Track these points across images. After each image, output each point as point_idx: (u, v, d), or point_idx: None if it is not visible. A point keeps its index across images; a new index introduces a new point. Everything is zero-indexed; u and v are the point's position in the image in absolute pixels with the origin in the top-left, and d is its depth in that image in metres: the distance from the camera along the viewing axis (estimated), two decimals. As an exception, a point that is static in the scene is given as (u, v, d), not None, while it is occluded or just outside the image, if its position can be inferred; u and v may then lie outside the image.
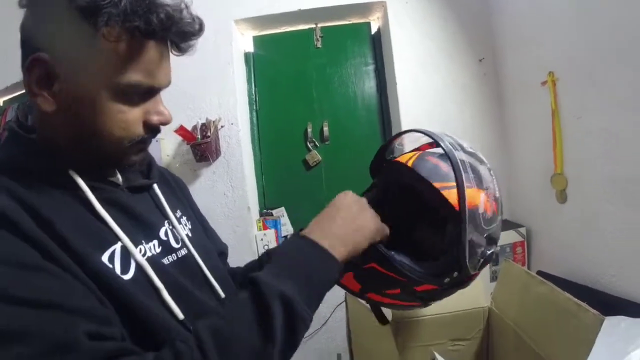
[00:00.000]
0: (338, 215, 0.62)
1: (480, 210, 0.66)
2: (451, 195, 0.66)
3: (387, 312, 1.22)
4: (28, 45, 0.54)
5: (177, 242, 0.68)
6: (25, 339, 0.42)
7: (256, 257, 0.92)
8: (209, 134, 1.91)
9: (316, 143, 2.18)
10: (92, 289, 0.49)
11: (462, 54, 2.04)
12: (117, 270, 0.54)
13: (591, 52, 1.36)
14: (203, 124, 1.93)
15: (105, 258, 0.53)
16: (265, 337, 0.48)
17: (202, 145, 1.88)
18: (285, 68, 2.21)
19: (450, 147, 0.69)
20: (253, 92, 2.21)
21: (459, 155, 0.68)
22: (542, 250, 1.80)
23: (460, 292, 1.25)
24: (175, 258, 0.65)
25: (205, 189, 2.01)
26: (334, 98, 2.19)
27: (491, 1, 2.01)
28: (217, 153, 1.97)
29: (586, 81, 1.40)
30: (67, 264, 0.48)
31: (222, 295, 0.71)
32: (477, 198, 0.66)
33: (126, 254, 0.56)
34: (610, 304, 1.27)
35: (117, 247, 0.55)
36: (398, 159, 0.79)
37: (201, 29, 0.58)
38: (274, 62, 2.22)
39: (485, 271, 1.80)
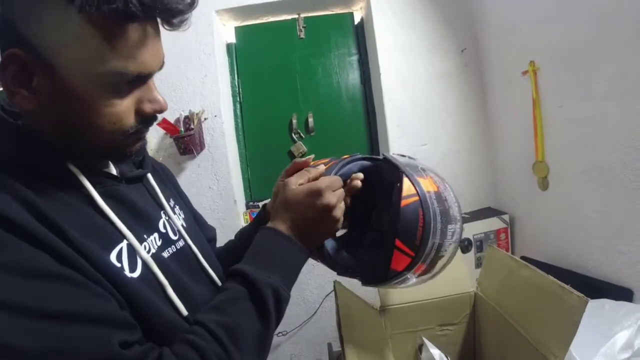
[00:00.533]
0: (294, 211, 0.65)
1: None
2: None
3: (376, 299, 1.24)
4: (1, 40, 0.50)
5: (175, 234, 0.68)
6: (61, 357, 0.41)
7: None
8: (192, 126, 1.88)
9: (301, 134, 2.17)
10: (111, 292, 0.48)
11: (445, 44, 2.04)
12: (126, 269, 0.52)
13: (571, 42, 1.38)
14: (186, 117, 1.90)
15: (113, 257, 0.52)
16: (263, 322, 0.56)
17: (186, 138, 1.85)
18: (268, 59, 2.19)
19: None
20: (236, 84, 2.19)
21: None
22: (526, 237, 1.84)
23: (446, 278, 1.27)
24: (174, 250, 0.65)
25: (190, 183, 1.99)
26: (319, 89, 2.19)
27: (473, -9, 2.02)
28: (201, 146, 1.94)
29: (567, 70, 1.43)
30: (84, 267, 0.47)
31: (219, 283, 0.71)
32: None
33: (132, 252, 0.55)
34: (594, 287, 1.31)
35: (124, 245, 0.54)
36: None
37: (193, 2, 0.52)
38: (256, 53, 2.19)
39: (471, 257, 1.83)
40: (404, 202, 0.66)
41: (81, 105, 0.50)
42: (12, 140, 0.52)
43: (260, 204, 2.13)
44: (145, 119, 0.56)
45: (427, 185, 0.69)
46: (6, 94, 0.49)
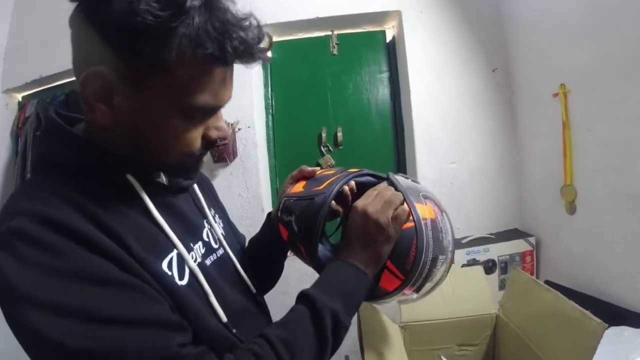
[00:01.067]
0: (360, 239, 0.66)
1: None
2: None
3: (396, 315, 1.26)
4: (83, 56, 0.52)
5: (216, 243, 0.72)
6: (126, 358, 0.44)
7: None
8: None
9: (330, 147, 2.22)
10: (165, 298, 0.51)
11: (476, 63, 2.06)
12: (175, 277, 0.56)
13: (602, 65, 1.39)
14: (221, 127, 1.98)
15: (165, 266, 0.55)
16: (320, 342, 0.57)
17: (220, 147, 1.93)
18: (301, 73, 2.25)
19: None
20: (270, 96, 2.26)
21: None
22: (551, 260, 1.82)
23: (469, 298, 1.29)
24: (215, 258, 0.69)
25: (222, 190, 2.05)
26: (349, 104, 2.23)
27: (504, 12, 2.03)
28: (233, 155, 2.02)
29: (597, 94, 1.43)
30: (142, 275, 0.50)
31: (254, 290, 0.75)
32: None
33: (181, 261, 0.58)
34: (616, 315, 1.29)
35: (174, 254, 0.57)
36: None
37: (271, 45, 0.56)
38: (290, 67, 2.26)
39: (494, 279, 1.83)
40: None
41: (159, 129, 0.53)
42: (73, 148, 0.55)
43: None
44: (209, 143, 0.59)
45: (424, 212, 0.70)
46: (83, 106, 0.52)
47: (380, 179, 0.78)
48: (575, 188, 1.57)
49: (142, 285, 0.49)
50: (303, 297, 0.61)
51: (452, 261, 0.73)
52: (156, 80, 0.49)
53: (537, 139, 1.87)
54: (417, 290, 0.71)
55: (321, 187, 0.75)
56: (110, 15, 0.46)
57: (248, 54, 0.52)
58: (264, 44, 0.54)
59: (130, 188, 0.57)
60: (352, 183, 0.76)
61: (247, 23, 0.51)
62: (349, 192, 0.77)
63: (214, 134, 0.58)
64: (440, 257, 0.69)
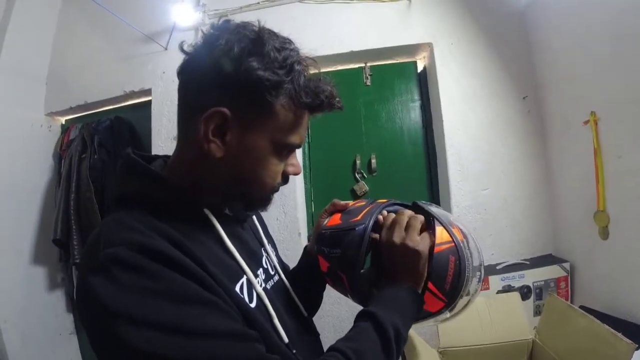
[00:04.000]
0: (398, 263, 0.72)
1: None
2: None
3: (433, 340, 1.30)
4: (203, 100, 0.61)
5: (272, 270, 0.79)
6: None
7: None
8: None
9: (364, 174, 2.29)
10: (241, 318, 0.57)
11: (506, 91, 2.12)
12: (247, 299, 0.62)
13: (631, 93, 1.43)
14: (261, 154, 2.09)
15: (237, 289, 0.61)
16: (386, 353, 0.62)
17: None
18: (336, 103, 2.35)
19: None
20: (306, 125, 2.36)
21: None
22: (585, 285, 1.82)
23: (505, 324, 1.32)
24: (272, 284, 0.76)
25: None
26: (382, 132, 2.31)
27: (533, 41, 2.09)
28: (272, 181, 2.11)
29: (626, 121, 1.47)
30: (223, 296, 0.55)
31: (305, 314, 0.81)
32: None
33: (249, 285, 0.64)
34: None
35: (244, 280, 0.64)
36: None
37: (341, 108, 0.70)
38: (325, 98, 2.36)
39: (529, 305, 1.83)
40: (437, 249, 0.71)
41: (257, 162, 0.64)
42: (160, 186, 0.63)
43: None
44: (286, 179, 0.70)
45: (457, 234, 0.74)
46: (202, 139, 0.61)
47: (408, 208, 0.83)
48: (608, 214, 1.59)
49: (224, 305, 0.54)
50: (364, 315, 0.66)
51: (482, 278, 0.77)
52: (263, 120, 0.62)
53: (569, 165, 1.90)
54: (451, 309, 0.75)
55: (358, 217, 0.79)
56: (240, 71, 0.59)
57: (332, 104, 0.66)
58: (339, 103, 0.69)
59: (206, 220, 0.65)
60: (385, 213, 0.81)
61: (327, 80, 0.66)
62: (382, 221, 0.82)
63: (290, 169, 0.70)
64: (477, 273, 0.74)
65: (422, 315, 0.75)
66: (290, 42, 0.65)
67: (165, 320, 0.49)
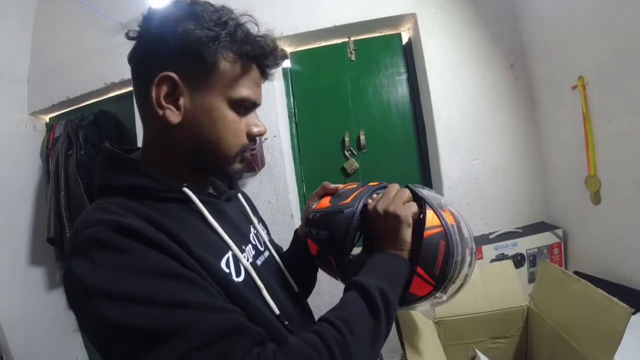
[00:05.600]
0: (380, 231, 0.74)
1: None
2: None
3: (430, 312, 1.31)
4: (150, 68, 0.63)
5: (262, 245, 0.80)
6: (189, 332, 0.49)
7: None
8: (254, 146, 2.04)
9: (353, 151, 2.27)
10: (221, 293, 0.58)
11: (493, 59, 2.09)
12: (233, 274, 0.63)
13: (619, 56, 1.41)
14: (249, 138, 2.07)
15: (223, 264, 0.63)
16: (374, 317, 0.63)
17: (250, 156, 2.01)
18: (321, 81, 2.32)
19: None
20: (292, 106, 2.34)
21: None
22: (579, 251, 1.83)
23: (500, 292, 1.33)
24: (263, 259, 0.77)
25: (252, 198, 2.14)
26: (369, 108, 2.29)
27: (518, 7, 2.05)
28: (262, 164, 2.11)
29: (615, 85, 1.45)
30: (199, 271, 0.56)
31: (296, 289, 0.82)
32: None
33: (236, 260, 0.66)
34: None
35: (230, 254, 0.65)
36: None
37: (286, 56, 0.72)
38: (310, 76, 2.34)
39: (523, 272, 1.85)
40: (427, 233, 0.71)
41: (216, 119, 0.65)
42: (136, 172, 0.64)
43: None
44: (252, 139, 0.71)
45: (449, 219, 0.74)
46: (153, 108, 0.63)
47: None
48: (599, 178, 1.59)
49: (199, 279, 0.55)
50: (351, 284, 0.67)
51: (474, 264, 0.77)
52: (212, 78, 0.64)
53: (559, 131, 1.89)
54: (444, 292, 0.74)
55: (347, 200, 0.80)
56: (178, 34, 0.61)
57: (273, 54, 0.68)
58: (283, 52, 0.71)
59: (187, 199, 0.66)
60: (375, 196, 0.81)
61: (273, 36, 0.68)
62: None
63: (254, 129, 0.70)
64: (467, 258, 0.73)
65: (411, 298, 0.75)
66: (224, 7, 0.66)
67: (140, 294, 0.50)
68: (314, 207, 0.85)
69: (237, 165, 0.71)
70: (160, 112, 0.63)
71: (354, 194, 0.80)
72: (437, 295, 0.74)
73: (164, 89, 0.63)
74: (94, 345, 0.54)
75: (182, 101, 0.63)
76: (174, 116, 0.63)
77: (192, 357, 0.49)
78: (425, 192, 0.79)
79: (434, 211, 0.74)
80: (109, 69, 2.34)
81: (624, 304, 0.86)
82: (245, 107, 0.68)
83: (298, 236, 0.96)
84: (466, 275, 0.75)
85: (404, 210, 0.72)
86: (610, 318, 0.88)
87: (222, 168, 0.70)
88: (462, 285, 0.76)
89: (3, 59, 2.38)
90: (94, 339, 0.53)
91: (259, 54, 0.65)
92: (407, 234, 0.72)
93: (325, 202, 0.84)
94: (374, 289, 0.64)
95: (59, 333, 2.43)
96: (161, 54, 0.63)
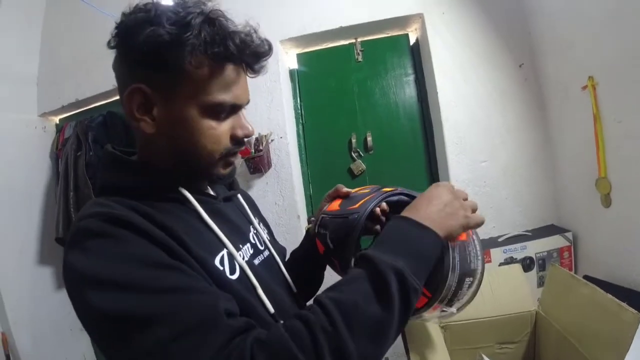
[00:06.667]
0: (431, 202, 0.65)
1: None
2: None
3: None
4: (124, 79, 0.63)
5: (261, 245, 0.80)
6: (175, 318, 0.49)
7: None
8: (261, 147, 2.05)
9: (360, 153, 2.26)
10: (213, 286, 0.58)
11: (502, 60, 2.06)
12: (227, 272, 0.63)
13: (628, 56, 1.38)
14: (256, 139, 2.06)
15: (217, 262, 0.62)
16: (383, 306, 0.52)
17: (256, 158, 2.02)
18: (328, 82, 2.32)
19: None
20: (299, 107, 2.34)
21: None
22: (589, 255, 1.80)
23: (508, 296, 1.31)
24: (262, 258, 0.77)
25: (258, 199, 2.09)
26: (376, 109, 2.28)
27: (526, 6, 2.03)
28: (268, 165, 2.11)
29: (625, 85, 1.43)
30: (191, 263, 0.56)
31: (294, 290, 0.82)
32: None
33: (231, 258, 0.65)
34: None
35: (224, 252, 0.65)
36: None
37: (270, 48, 0.66)
38: (317, 77, 2.33)
39: (533, 276, 1.83)
40: None
41: (191, 129, 0.62)
42: (134, 173, 0.66)
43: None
44: (237, 142, 0.68)
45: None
46: (131, 120, 0.63)
47: (413, 198, 0.78)
48: (610, 180, 1.56)
49: (188, 270, 0.55)
50: (360, 259, 0.58)
51: (480, 282, 0.73)
52: (181, 86, 0.60)
53: (569, 132, 1.86)
54: (449, 305, 0.72)
55: (356, 206, 0.79)
56: (138, 42, 0.58)
57: (249, 50, 0.62)
58: (262, 46, 0.65)
59: (184, 199, 0.66)
60: (384, 205, 0.81)
61: (247, 30, 0.63)
62: (379, 213, 0.82)
63: (239, 132, 0.67)
64: (467, 279, 0.69)
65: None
66: (196, 3, 0.61)
67: (125, 280, 0.50)
68: (325, 208, 0.86)
69: (221, 170, 0.69)
70: (135, 123, 0.63)
71: (364, 199, 0.80)
72: (437, 307, 0.72)
73: (136, 101, 0.62)
74: (87, 332, 0.54)
75: (155, 111, 0.62)
76: (148, 127, 0.63)
77: (168, 346, 0.47)
78: None
79: None
80: (116, 70, 2.35)
81: (633, 310, 0.84)
82: (225, 111, 0.64)
83: (308, 234, 0.97)
84: (472, 293, 0.73)
85: (471, 211, 0.68)
86: (619, 323, 0.86)
87: (205, 173, 0.69)
88: (465, 304, 0.74)
89: (13, 60, 2.41)
90: (85, 325, 0.54)
91: (230, 54, 0.60)
92: (458, 230, 0.65)
93: (336, 204, 0.85)
94: (388, 270, 0.53)
95: (66, 331, 2.45)
96: (129, 64, 0.62)
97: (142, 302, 0.49)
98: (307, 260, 0.93)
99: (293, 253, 0.99)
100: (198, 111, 0.62)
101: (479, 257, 0.72)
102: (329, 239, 0.80)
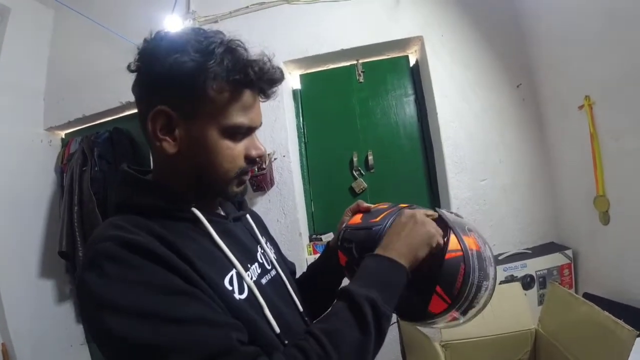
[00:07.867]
0: (399, 234, 0.75)
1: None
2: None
3: (437, 335, 1.30)
4: (147, 101, 0.67)
5: (269, 264, 0.82)
6: (186, 350, 0.52)
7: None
8: (264, 165, 2.08)
9: (362, 171, 2.29)
10: (223, 309, 0.60)
11: (500, 80, 2.11)
12: (236, 292, 0.65)
13: (624, 76, 1.42)
14: (259, 158, 2.10)
15: (226, 282, 0.65)
16: (362, 331, 0.62)
17: (259, 176, 2.05)
18: (330, 102, 2.37)
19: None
20: (302, 126, 2.38)
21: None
22: (589, 272, 1.81)
23: (508, 315, 1.31)
24: (269, 278, 0.78)
25: (260, 216, 2.16)
26: (377, 129, 2.32)
27: (524, 28, 2.08)
28: (271, 183, 2.14)
29: (621, 104, 1.46)
30: (205, 288, 0.59)
31: (301, 309, 0.83)
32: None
33: (240, 278, 0.68)
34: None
35: (233, 272, 0.67)
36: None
37: (282, 75, 0.72)
38: (319, 97, 2.38)
39: (533, 294, 1.82)
40: (448, 255, 0.75)
41: (210, 148, 0.66)
42: (150, 192, 0.69)
43: (323, 237, 2.26)
44: (251, 161, 0.72)
45: (470, 244, 0.77)
46: (153, 140, 0.67)
47: None
48: (608, 198, 1.58)
49: (202, 295, 0.57)
50: (340, 293, 0.67)
51: (494, 288, 0.79)
52: (203, 109, 0.65)
53: (567, 151, 1.89)
54: (463, 314, 0.77)
55: (377, 219, 0.85)
56: (165, 68, 0.63)
57: (266, 76, 0.68)
58: (276, 74, 0.70)
59: (195, 219, 0.69)
60: None
61: (264, 59, 0.68)
62: None
63: (253, 152, 0.71)
64: (485, 283, 0.75)
65: (427, 316, 0.78)
66: (216, 33, 0.67)
67: (143, 309, 0.53)
68: (347, 222, 0.91)
69: (235, 188, 0.73)
70: (158, 143, 0.66)
71: (384, 213, 0.86)
72: (454, 314, 0.76)
73: (160, 122, 0.65)
74: (103, 355, 0.56)
75: (177, 132, 0.66)
76: (170, 147, 0.66)
77: None
78: (450, 216, 0.83)
79: (457, 236, 0.78)
80: (124, 88, 2.36)
81: (629, 327, 0.85)
82: (241, 133, 0.69)
83: (329, 247, 0.99)
84: (488, 297, 0.77)
85: (434, 228, 0.76)
86: (616, 341, 0.87)
87: (220, 191, 0.73)
88: (481, 309, 0.78)
89: (20, 74, 2.46)
90: (101, 348, 0.56)
91: (249, 80, 0.66)
92: (424, 250, 0.74)
93: (357, 218, 0.90)
94: (364, 301, 0.63)
95: (67, 345, 2.44)
96: (154, 88, 0.66)
97: (160, 331, 0.52)
98: (329, 271, 0.95)
99: (311, 266, 1.03)
100: (217, 132, 0.66)
101: (492, 264, 0.79)
102: (354, 250, 0.84)
